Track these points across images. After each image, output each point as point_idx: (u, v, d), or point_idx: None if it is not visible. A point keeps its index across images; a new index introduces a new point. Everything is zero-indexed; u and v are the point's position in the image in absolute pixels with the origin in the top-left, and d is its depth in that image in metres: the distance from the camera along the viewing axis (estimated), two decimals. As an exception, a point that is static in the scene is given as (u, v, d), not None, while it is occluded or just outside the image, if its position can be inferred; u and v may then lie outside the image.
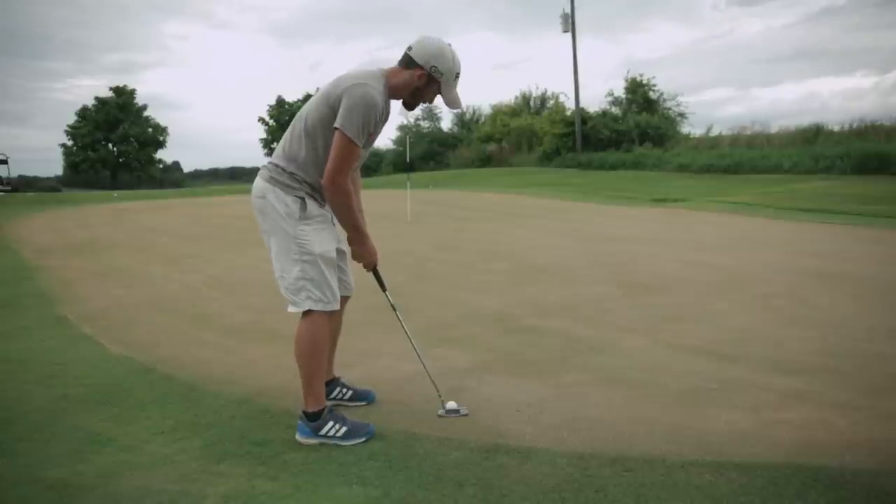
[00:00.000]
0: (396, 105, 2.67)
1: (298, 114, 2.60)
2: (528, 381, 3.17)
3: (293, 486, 2.19)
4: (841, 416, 2.65)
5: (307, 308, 2.51)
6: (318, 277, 2.49)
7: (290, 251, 2.49)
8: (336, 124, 2.39)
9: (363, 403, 2.90)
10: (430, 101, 2.65)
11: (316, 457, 2.41)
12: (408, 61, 2.54)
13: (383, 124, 2.65)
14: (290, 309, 2.55)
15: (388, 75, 2.55)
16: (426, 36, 2.58)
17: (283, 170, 2.52)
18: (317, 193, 2.54)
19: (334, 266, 2.59)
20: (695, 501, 2.04)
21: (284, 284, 2.53)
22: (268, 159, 2.65)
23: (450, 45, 2.56)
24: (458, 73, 2.58)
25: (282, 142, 2.61)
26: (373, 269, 2.72)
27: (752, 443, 2.43)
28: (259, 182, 2.58)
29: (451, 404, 2.77)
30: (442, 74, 2.54)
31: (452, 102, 2.61)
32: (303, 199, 2.50)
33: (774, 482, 2.13)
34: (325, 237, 2.56)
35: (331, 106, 2.43)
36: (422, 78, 2.54)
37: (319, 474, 2.28)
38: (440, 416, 2.73)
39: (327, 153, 2.43)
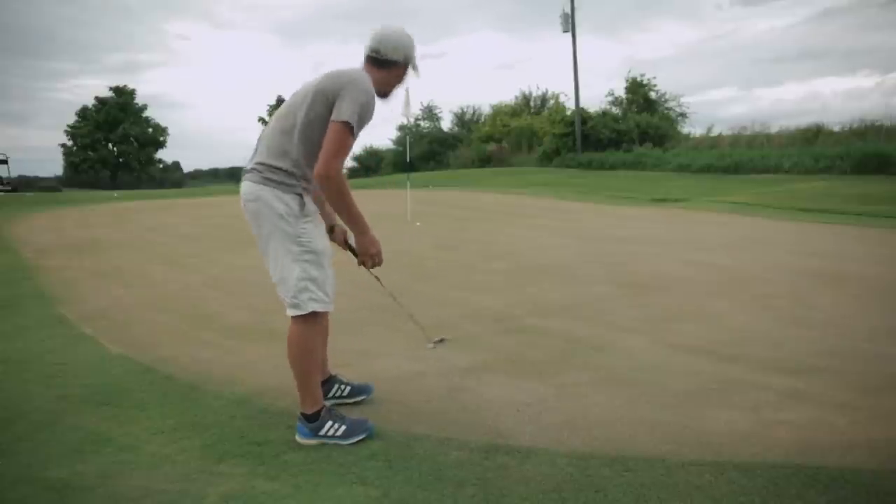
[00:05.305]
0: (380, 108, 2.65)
1: (282, 112, 2.51)
2: (528, 381, 3.17)
3: (293, 486, 2.19)
4: (841, 416, 2.65)
5: (311, 310, 2.44)
6: (320, 276, 2.46)
7: (290, 252, 2.42)
8: (342, 116, 2.33)
9: (364, 397, 2.90)
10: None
11: (316, 457, 2.41)
12: (381, 62, 2.51)
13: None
14: (290, 312, 2.47)
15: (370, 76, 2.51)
16: (385, 28, 2.53)
17: (277, 168, 2.44)
18: (311, 187, 2.50)
19: (330, 262, 2.55)
20: (695, 501, 2.04)
21: (285, 288, 2.45)
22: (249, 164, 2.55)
23: (401, 27, 2.57)
24: None
25: (265, 141, 2.52)
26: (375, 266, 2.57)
27: (752, 443, 2.43)
28: (249, 185, 2.46)
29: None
30: (414, 59, 2.58)
31: (416, 69, 2.61)
32: (300, 195, 2.46)
33: (774, 482, 2.13)
34: (323, 233, 2.57)
35: (329, 102, 2.39)
36: (403, 74, 2.57)
37: (319, 474, 2.28)
38: (429, 349, 3.48)
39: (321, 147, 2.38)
